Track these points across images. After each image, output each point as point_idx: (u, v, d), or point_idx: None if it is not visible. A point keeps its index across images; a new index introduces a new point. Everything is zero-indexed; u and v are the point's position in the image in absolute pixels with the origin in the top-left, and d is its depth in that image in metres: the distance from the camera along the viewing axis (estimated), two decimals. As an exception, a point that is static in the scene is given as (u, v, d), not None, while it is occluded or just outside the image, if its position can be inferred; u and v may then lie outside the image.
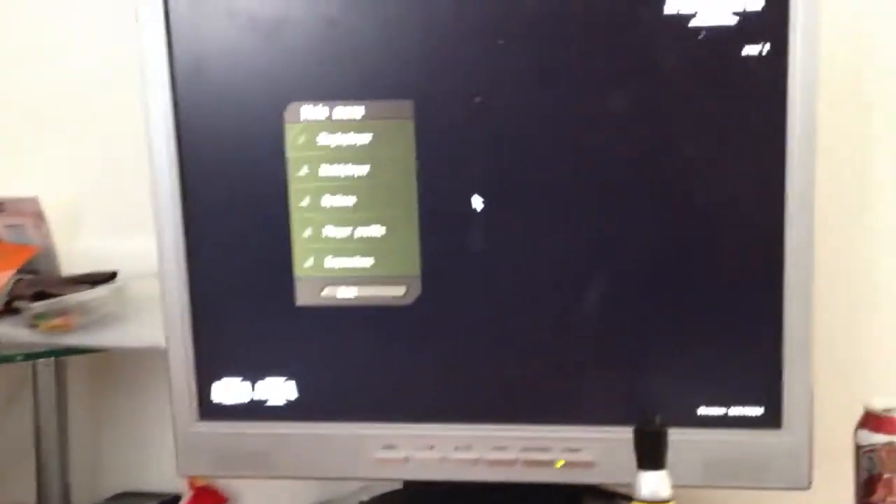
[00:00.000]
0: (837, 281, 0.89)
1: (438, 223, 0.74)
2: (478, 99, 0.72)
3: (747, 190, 0.71)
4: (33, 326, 0.88)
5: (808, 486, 0.72)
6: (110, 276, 0.91)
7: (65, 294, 0.88)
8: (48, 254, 0.95)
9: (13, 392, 1.01)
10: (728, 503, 0.86)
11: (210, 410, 0.79)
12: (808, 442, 0.72)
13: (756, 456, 0.72)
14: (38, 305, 0.88)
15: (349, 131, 0.73)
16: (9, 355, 0.91)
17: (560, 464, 0.74)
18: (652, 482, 0.59)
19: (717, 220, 0.72)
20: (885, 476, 0.70)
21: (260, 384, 0.78)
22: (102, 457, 1.04)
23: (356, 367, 0.77)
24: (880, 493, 0.70)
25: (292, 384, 0.78)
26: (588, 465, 0.74)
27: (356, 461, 0.77)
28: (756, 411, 0.73)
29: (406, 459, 0.76)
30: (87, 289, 0.89)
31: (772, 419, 0.72)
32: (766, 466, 0.72)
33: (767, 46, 0.68)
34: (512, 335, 0.75)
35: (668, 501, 0.59)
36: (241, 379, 0.78)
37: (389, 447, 0.76)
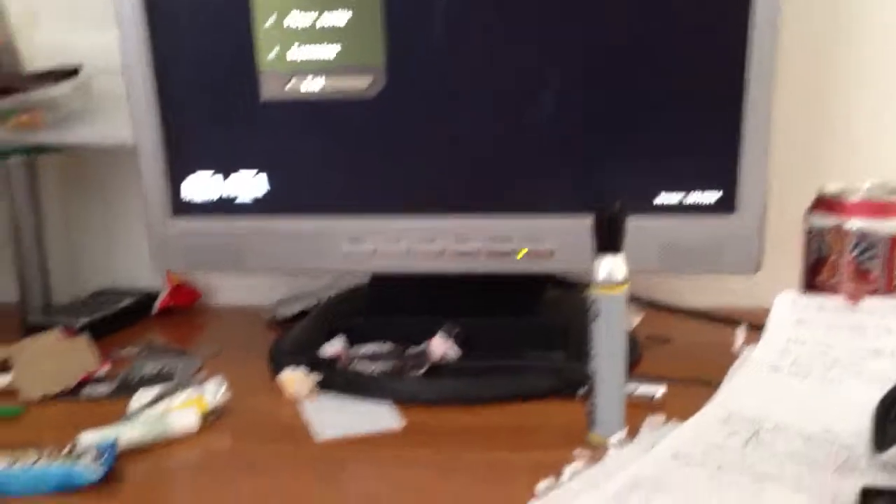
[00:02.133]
0: (798, 67, 0.89)
1: (403, 11, 0.72)
2: None
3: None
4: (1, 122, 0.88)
5: (756, 270, 0.74)
6: (73, 71, 0.90)
7: (30, 90, 0.87)
8: (9, 50, 0.92)
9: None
10: (679, 289, 0.90)
11: (182, 207, 0.80)
12: (759, 226, 0.73)
13: (709, 241, 0.74)
14: (4, 102, 0.87)
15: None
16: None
17: (522, 253, 0.76)
18: (609, 265, 0.60)
19: (679, 5, 0.70)
20: (832, 258, 0.71)
21: (231, 178, 0.78)
22: (79, 256, 1.05)
23: (323, 161, 0.77)
24: (825, 274, 0.72)
25: (263, 178, 0.78)
26: (548, 254, 0.75)
27: (324, 254, 0.78)
28: (712, 196, 0.73)
29: (373, 252, 0.77)
30: (51, 84, 0.87)
31: (726, 204, 0.73)
32: (719, 251, 0.74)
33: None
34: (475, 128, 0.75)
35: (623, 284, 0.60)
36: (212, 172, 0.78)
37: (356, 240, 0.77)
